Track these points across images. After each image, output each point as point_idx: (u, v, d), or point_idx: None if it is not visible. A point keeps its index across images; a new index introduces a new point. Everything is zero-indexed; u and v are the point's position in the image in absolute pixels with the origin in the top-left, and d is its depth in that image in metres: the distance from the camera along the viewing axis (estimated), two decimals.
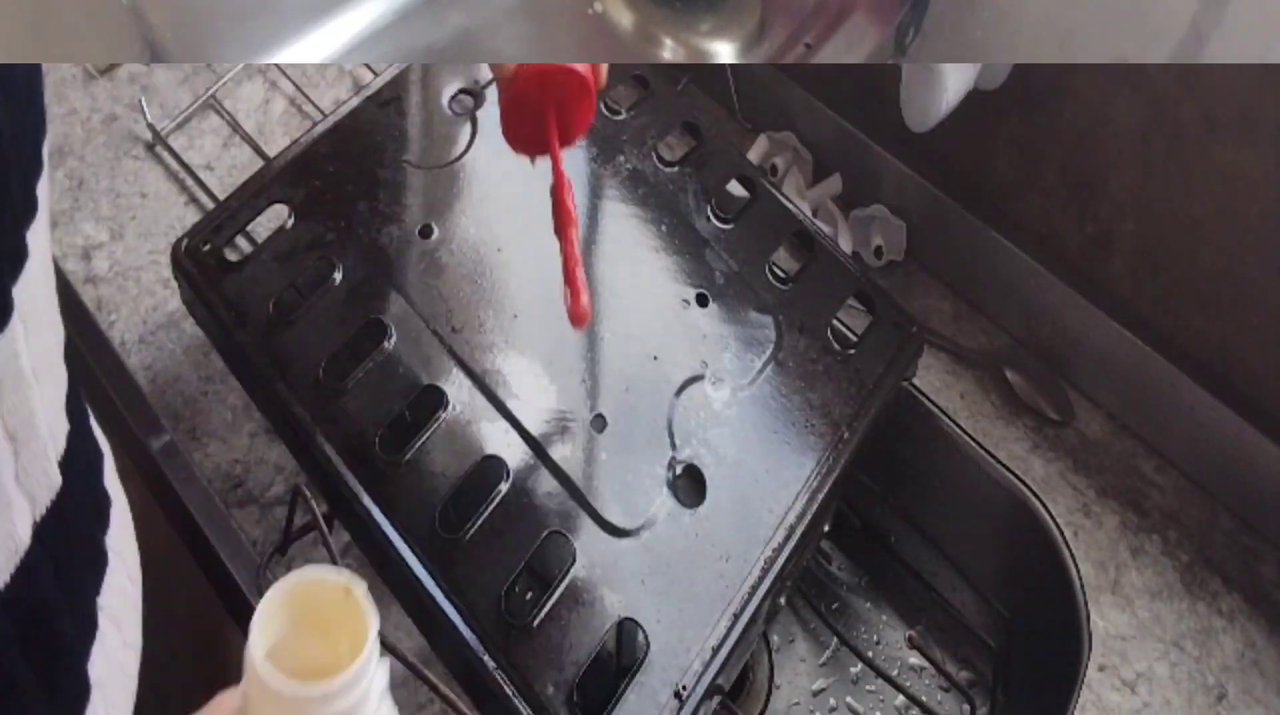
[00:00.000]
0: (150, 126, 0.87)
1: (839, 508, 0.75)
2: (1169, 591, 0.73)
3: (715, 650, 0.54)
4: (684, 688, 0.53)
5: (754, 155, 0.91)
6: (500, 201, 0.65)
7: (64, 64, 0.93)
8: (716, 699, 0.56)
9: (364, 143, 0.66)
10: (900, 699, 0.78)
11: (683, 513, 0.57)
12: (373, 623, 0.31)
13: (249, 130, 0.89)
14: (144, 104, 0.88)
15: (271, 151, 0.88)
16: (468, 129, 0.67)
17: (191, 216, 0.85)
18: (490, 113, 0.68)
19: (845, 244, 0.86)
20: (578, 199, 0.66)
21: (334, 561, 0.54)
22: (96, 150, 0.88)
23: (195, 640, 0.83)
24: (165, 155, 0.88)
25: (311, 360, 0.58)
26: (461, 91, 0.68)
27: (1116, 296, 0.78)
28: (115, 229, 0.83)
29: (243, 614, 0.67)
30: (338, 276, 0.61)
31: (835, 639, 0.80)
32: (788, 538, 0.58)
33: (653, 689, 0.52)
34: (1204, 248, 0.71)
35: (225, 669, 0.83)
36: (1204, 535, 0.75)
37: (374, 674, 0.31)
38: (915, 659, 0.80)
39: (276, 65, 0.93)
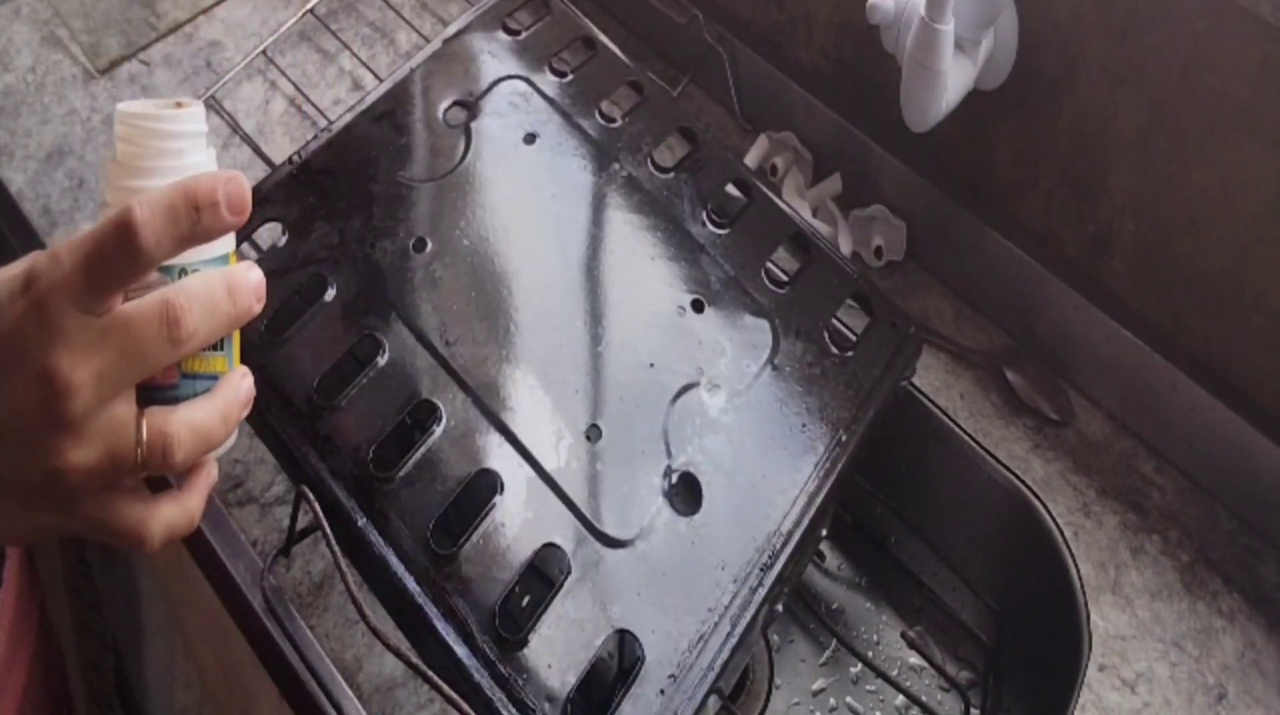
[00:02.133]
0: None
1: (838, 509, 0.75)
2: (1169, 591, 0.73)
3: (712, 660, 0.54)
4: (678, 697, 0.52)
5: (754, 155, 0.91)
6: (495, 213, 0.65)
7: (64, 64, 0.93)
8: (715, 700, 0.56)
9: (357, 158, 0.66)
10: (900, 699, 0.78)
11: (678, 521, 0.57)
12: (202, 111, 0.41)
13: (249, 130, 0.89)
14: None
15: (271, 151, 0.88)
16: (462, 141, 0.67)
17: None
18: (485, 124, 0.68)
19: (845, 244, 0.86)
20: (580, 206, 0.66)
21: (338, 564, 0.54)
22: (96, 150, 0.88)
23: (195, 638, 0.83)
24: None
25: (304, 379, 0.58)
26: (456, 104, 0.68)
27: (1116, 296, 0.78)
28: None
29: (243, 614, 0.67)
30: (331, 293, 0.61)
31: (834, 639, 0.80)
32: (785, 543, 0.58)
33: (648, 700, 0.52)
34: (1204, 248, 0.71)
35: (225, 665, 0.83)
36: (1204, 535, 0.75)
37: (196, 130, 0.41)
38: (915, 659, 0.80)
39: (276, 65, 0.93)
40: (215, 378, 0.42)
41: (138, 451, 0.38)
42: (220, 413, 0.41)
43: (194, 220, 0.37)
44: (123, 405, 0.38)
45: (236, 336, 0.43)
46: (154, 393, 0.40)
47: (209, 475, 0.45)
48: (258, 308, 0.41)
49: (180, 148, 0.40)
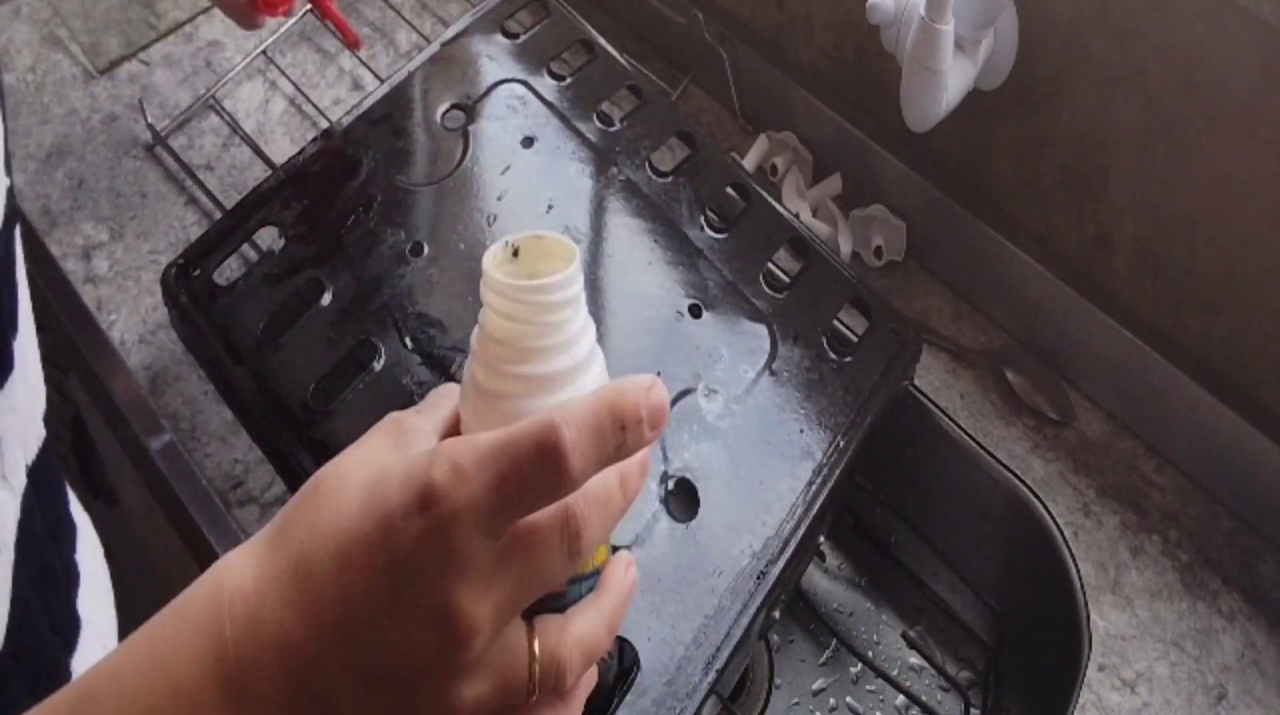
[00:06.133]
0: (150, 126, 0.87)
1: (838, 510, 0.75)
2: (1169, 591, 0.73)
3: (708, 668, 0.54)
4: (674, 706, 0.52)
5: (754, 155, 0.91)
6: (492, 217, 0.65)
7: (64, 64, 0.93)
8: (715, 700, 0.56)
9: (355, 161, 0.66)
10: (900, 698, 0.78)
11: (675, 528, 0.57)
12: (575, 247, 0.35)
13: (248, 130, 0.89)
14: (144, 104, 0.88)
15: (271, 152, 0.88)
16: (459, 145, 0.67)
17: (191, 216, 0.85)
18: (483, 127, 0.68)
19: (845, 244, 0.86)
20: (578, 211, 0.66)
21: None
22: (96, 150, 0.88)
23: None
24: (165, 155, 0.88)
25: (300, 385, 0.57)
26: (454, 107, 0.68)
27: (1116, 296, 0.78)
28: (115, 229, 0.84)
29: None
30: (327, 297, 0.61)
31: (835, 639, 0.80)
32: (782, 550, 0.57)
33: (644, 709, 0.52)
34: (1204, 248, 0.71)
35: None
36: (1204, 535, 0.75)
37: (582, 284, 0.35)
38: (915, 659, 0.80)
39: (276, 65, 0.93)
40: (597, 574, 0.37)
41: (531, 680, 0.34)
42: (607, 621, 0.36)
43: (619, 441, 0.32)
44: (515, 631, 0.34)
45: None
46: (539, 605, 0.35)
47: (589, 681, 0.39)
48: (644, 484, 0.36)
49: (568, 318, 0.34)
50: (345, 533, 0.32)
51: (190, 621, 0.32)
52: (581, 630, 0.35)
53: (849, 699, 0.78)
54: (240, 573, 0.33)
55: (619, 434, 0.32)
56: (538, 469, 0.31)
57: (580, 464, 0.31)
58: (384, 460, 0.34)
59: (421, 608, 0.31)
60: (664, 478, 0.58)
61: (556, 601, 0.35)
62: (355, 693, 0.32)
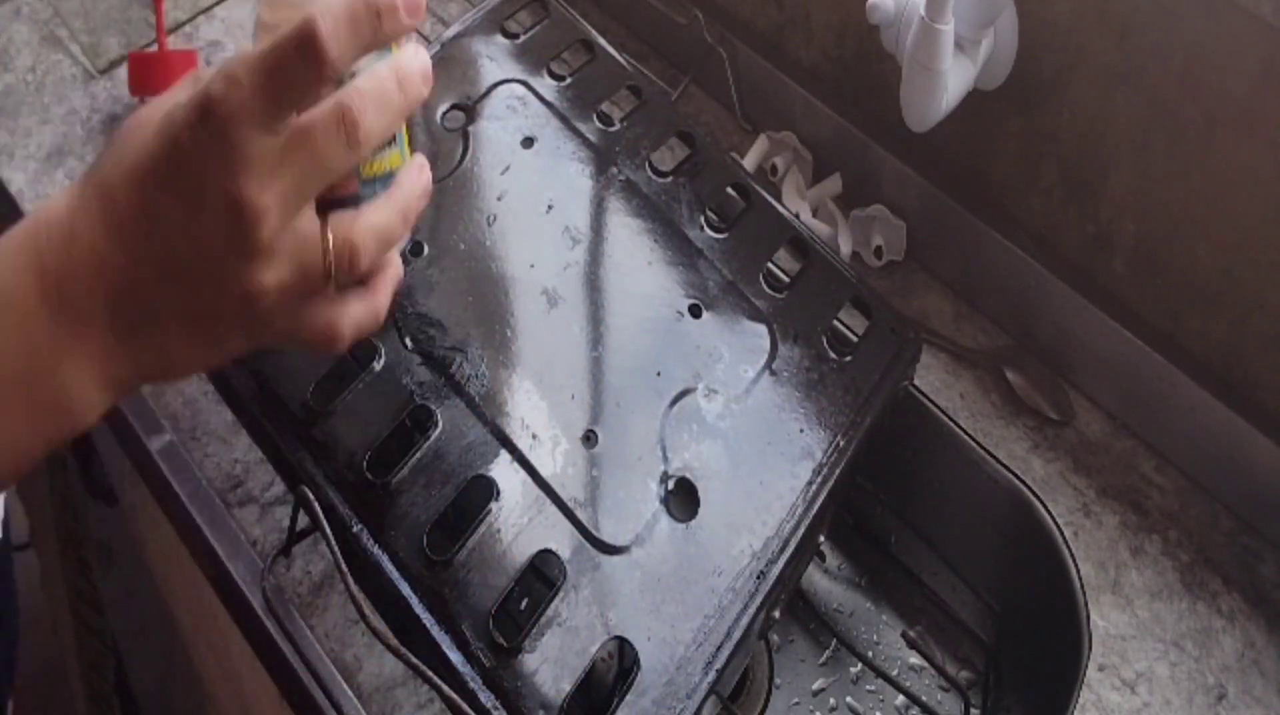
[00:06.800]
0: None
1: (838, 510, 0.75)
2: (1169, 591, 0.73)
3: (708, 668, 0.54)
4: (674, 705, 0.52)
5: (754, 155, 0.91)
6: (492, 217, 0.65)
7: (64, 64, 0.93)
8: (715, 700, 0.56)
9: None
10: (900, 698, 0.78)
11: (675, 527, 0.57)
12: None
13: None
14: (144, 104, 0.88)
15: None
16: (459, 145, 0.67)
17: None
18: (483, 127, 0.68)
19: (845, 244, 0.86)
20: (578, 211, 0.66)
21: (337, 564, 0.54)
22: (96, 150, 0.88)
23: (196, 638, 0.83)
24: None
25: (299, 385, 0.57)
26: (454, 107, 0.68)
27: (1116, 296, 0.78)
28: None
29: (243, 614, 0.67)
30: None
31: (835, 639, 0.80)
32: (782, 549, 0.57)
33: (644, 709, 0.52)
34: (1204, 248, 0.71)
35: (225, 666, 0.83)
36: (1204, 535, 0.75)
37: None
38: (915, 659, 0.80)
39: None
40: (392, 177, 0.41)
41: (326, 263, 0.38)
42: (400, 211, 0.41)
43: (375, 28, 0.36)
44: (307, 220, 0.38)
45: (405, 128, 0.43)
46: (334, 204, 0.40)
47: (394, 272, 0.44)
48: (426, 92, 0.40)
49: None
50: (141, 156, 0.36)
51: (13, 242, 0.37)
52: (374, 218, 0.40)
53: (849, 699, 0.78)
54: (56, 208, 0.38)
55: (374, 20, 0.36)
56: (300, 59, 0.35)
57: (337, 49, 0.35)
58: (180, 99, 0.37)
59: (211, 201, 0.35)
60: (664, 478, 0.58)
61: (352, 201, 0.40)
62: (166, 290, 0.37)
